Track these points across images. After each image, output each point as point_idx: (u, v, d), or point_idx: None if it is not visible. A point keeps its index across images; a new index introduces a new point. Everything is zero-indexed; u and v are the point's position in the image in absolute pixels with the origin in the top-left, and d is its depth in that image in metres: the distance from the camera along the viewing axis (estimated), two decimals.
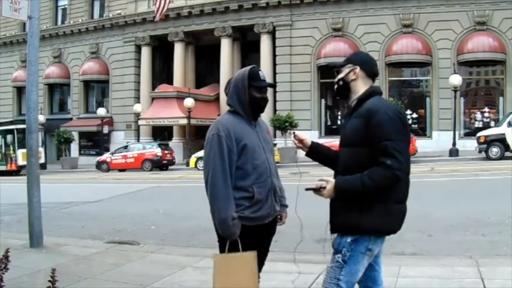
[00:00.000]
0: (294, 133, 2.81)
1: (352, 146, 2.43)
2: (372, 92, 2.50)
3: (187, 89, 28.36)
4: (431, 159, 19.96)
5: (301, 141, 2.74)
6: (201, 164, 19.31)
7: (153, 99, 29.48)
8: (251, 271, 2.60)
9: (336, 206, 2.50)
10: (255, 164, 2.66)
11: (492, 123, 23.27)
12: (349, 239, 2.41)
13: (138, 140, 30.33)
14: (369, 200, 2.36)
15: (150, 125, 29.57)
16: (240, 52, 29.79)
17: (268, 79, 3.57)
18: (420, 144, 21.06)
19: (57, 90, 35.85)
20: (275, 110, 26.15)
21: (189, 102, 26.12)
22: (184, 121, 27.11)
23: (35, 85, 6.48)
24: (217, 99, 29.22)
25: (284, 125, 22.99)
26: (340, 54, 24.91)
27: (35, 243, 6.15)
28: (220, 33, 28.52)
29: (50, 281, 2.20)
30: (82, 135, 33.06)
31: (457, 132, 21.79)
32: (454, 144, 20.82)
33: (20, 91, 34.64)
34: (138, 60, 31.45)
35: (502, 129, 18.30)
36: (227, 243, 2.62)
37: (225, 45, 28.54)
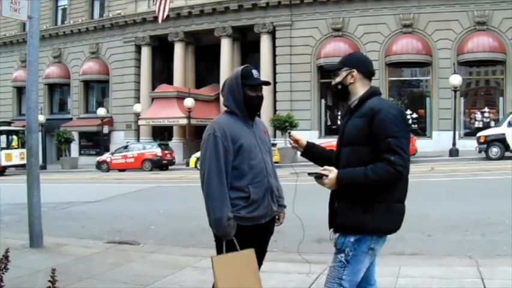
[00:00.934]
0: (289, 133, 2.81)
1: (353, 145, 2.44)
2: (373, 93, 2.52)
3: (187, 89, 28.37)
4: (431, 159, 19.96)
5: (296, 141, 2.74)
6: None
7: (153, 99, 29.49)
8: (252, 268, 2.60)
9: (338, 206, 2.50)
10: (251, 164, 2.67)
11: (492, 123, 23.27)
12: (352, 239, 2.42)
13: (138, 140, 30.33)
14: (371, 199, 2.37)
15: (150, 125, 29.58)
16: (240, 52, 29.80)
17: (265, 77, 3.58)
18: (420, 144, 21.06)
19: (57, 90, 35.84)
20: (275, 110, 26.16)
21: (189, 102, 26.13)
22: (184, 121, 27.12)
23: (35, 85, 6.48)
24: (217, 99, 29.21)
25: (284, 125, 22.97)
26: (340, 54, 24.85)
27: (35, 243, 6.15)
28: (220, 33, 28.52)
29: (50, 281, 2.20)
30: (82, 135, 33.07)
31: (457, 132, 21.79)
32: (454, 144, 20.82)
33: (20, 91, 34.62)
34: (138, 60, 31.45)
35: (502, 129, 18.30)
36: (223, 243, 2.63)
37: (225, 45, 28.54)
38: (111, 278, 4.73)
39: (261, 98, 2.79)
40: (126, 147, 26.50)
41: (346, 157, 2.46)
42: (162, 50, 31.50)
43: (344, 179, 2.37)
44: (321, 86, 26.75)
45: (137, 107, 29.49)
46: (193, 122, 27.12)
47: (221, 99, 2.92)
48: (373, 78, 2.62)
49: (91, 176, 22.43)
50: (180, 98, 27.56)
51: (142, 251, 6.10)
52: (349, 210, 2.43)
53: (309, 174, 2.50)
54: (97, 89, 34.77)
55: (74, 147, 32.29)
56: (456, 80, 21.18)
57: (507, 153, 17.84)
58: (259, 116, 2.93)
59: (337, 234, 2.50)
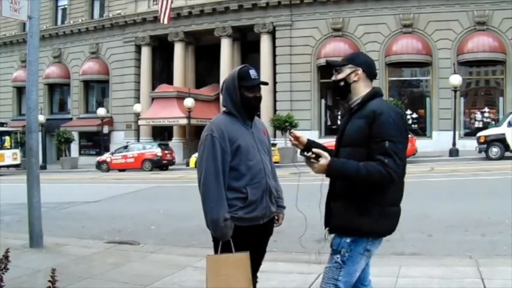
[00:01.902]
0: (289, 130, 2.80)
1: (352, 146, 2.44)
2: (375, 94, 2.52)
3: (187, 89, 28.38)
4: (431, 159, 19.96)
5: (297, 138, 2.73)
6: None
7: (153, 99, 29.50)
8: (244, 271, 2.59)
9: (334, 208, 2.51)
10: (249, 164, 2.66)
11: (492, 123, 23.26)
12: (348, 240, 2.43)
13: (138, 140, 30.33)
14: (366, 202, 2.37)
15: (150, 125, 29.58)
16: (240, 52, 29.80)
17: (265, 77, 3.57)
18: (420, 144, 21.04)
19: (57, 90, 35.85)
20: (275, 110, 26.16)
21: (189, 102, 26.14)
22: (184, 121, 27.12)
23: (35, 85, 6.48)
24: (217, 99, 29.20)
25: (284, 125, 22.97)
26: (340, 54, 24.87)
27: (35, 243, 6.15)
28: (220, 33, 28.52)
29: (50, 281, 2.20)
30: (82, 135, 33.08)
31: (457, 132, 21.79)
32: (454, 144, 20.82)
33: (20, 91, 34.63)
34: (138, 60, 31.45)
35: (502, 129, 18.30)
36: (220, 243, 2.63)
37: (225, 45, 28.55)
38: (111, 278, 4.73)
39: (258, 99, 2.77)
40: (126, 147, 26.50)
41: (345, 158, 2.46)
42: (162, 50, 31.51)
43: (335, 168, 2.36)
44: (321, 86, 26.75)
45: (137, 107, 29.49)
46: (193, 122, 27.13)
47: (221, 99, 2.91)
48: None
49: (91, 176, 22.43)
50: (180, 98, 27.57)
51: (142, 251, 6.09)
52: (344, 212, 2.43)
53: (301, 153, 2.49)
54: (97, 89, 34.78)
55: (74, 147, 32.30)
56: (456, 80, 21.18)
57: (507, 153, 17.84)
58: (259, 116, 2.92)
59: (333, 235, 2.51)
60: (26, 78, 6.56)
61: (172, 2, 26.90)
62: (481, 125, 23.74)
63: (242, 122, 2.73)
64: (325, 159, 2.37)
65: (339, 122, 26.95)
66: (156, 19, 28.72)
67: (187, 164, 24.24)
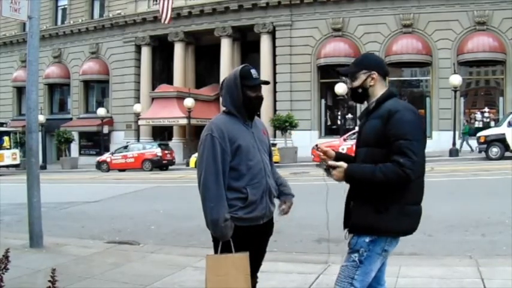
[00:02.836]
0: (317, 146, 2.73)
1: (369, 146, 2.45)
2: (390, 94, 2.51)
3: (187, 89, 28.38)
4: (431, 159, 19.91)
5: (325, 152, 2.66)
6: None
7: (153, 99, 29.50)
8: (243, 272, 2.59)
9: (352, 207, 2.51)
10: (249, 164, 2.65)
11: (492, 123, 23.27)
12: (367, 239, 2.42)
13: (138, 140, 30.33)
14: (385, 200, 2.37)
15: (150, 125, 29.58)
16: (240, 52, 29.80)
17: (265, 77, 3.57)
18: None
19: (57, 90, 35.85)
20: (275, 110, 26.15)
21: (189, 102, 26.14)
22: (184, 121, 27.13)
23: (35, 85, 6.48)
24: (217, 99, 29.19)
25: (284, 125, 22.99)
26: (340, 54, 24.97)
27: (35, 243, 6.14)
28: (220, 33, 28.52)
29: (50, 281, 2.20)
30: (82, 135, 33.07)
31: (457, 132, 21.80)
32: (454, 144, 20.83)
33: (20, 91, 34.62)
34: (138, 60, 31.45)
35: (502, 129, 18.31)
36: (220, 243, 2.63)
37: (225, 45, 28.54)
38: (111, 278, 4.73)
39: (260, 98, 2.76)
40: (126, 147, 26.50)
41: (362, 157, 2.47)
42: (162, 50, 31.51)
43: (352, 173, 2.39)
44: (321, 86, 26.75)
45: (137, 107, 29.50)
46: (193, 122, 27.13)
47: (221, 99, 2.90)
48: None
49: (91, 176, 22.43)
50: (180, 98, 27.57)
51: (142, 251, 6.09)
52: (363, 211, 2.43)
53: (317, 165, 2.50)
54: (97, 89, 34.77)
55: (74, 147, 32.30)
56: (456, 80, 21.18)
57: (507, 153, 17.85)
58: (259, 116, 2.91)
59: (352, 235, 2.50)
60: (26, 78, 6.55)
61: (172, 2, 26.91)
62: (481, 125, 23.75)
63: (242, 121, 2.72)
64: (341, 167, 2.39)
65: (339, 122, 26.98)
66: (156, 19, 28.73)
67: (187, 164, 24.24)
